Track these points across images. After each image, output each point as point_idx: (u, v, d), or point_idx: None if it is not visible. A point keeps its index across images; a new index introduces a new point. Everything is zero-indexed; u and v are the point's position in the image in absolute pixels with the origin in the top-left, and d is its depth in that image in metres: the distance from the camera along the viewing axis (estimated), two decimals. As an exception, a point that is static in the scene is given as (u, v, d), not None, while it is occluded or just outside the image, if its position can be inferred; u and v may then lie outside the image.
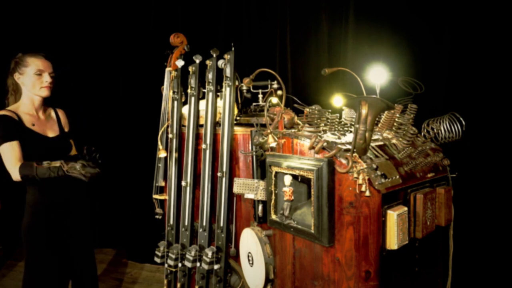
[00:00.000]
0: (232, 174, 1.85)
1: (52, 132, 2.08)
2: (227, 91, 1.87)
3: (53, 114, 2.17)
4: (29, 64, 1.98)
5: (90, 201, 2.22)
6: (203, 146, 1.91)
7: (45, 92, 2.02)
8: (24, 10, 3.76)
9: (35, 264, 1.99)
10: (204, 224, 1.91)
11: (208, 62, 1.94)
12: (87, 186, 2.18)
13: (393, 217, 1.37)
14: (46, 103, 2.14)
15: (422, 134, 1.76)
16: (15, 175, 1.87)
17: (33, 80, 1.98)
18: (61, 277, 2.06)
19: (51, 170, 1.85)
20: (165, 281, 2.17)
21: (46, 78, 2.00)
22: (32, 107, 2.04)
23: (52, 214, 2.00)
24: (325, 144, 1.42)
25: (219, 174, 1.84)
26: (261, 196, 1.67)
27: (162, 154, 2.09)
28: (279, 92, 1.99)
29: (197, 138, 2.00)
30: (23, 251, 2.01)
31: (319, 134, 1.56)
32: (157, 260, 2.10)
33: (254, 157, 1.72)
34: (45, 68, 2.01)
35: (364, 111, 1.27)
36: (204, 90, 1.98)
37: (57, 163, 1.87)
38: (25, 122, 1.98)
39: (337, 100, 1.96)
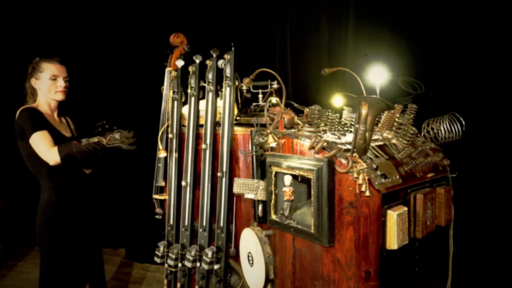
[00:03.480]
0: (232, 174, 1.85)
1: (66, 134, 2.13)
2: (227, 91, 1.87)
3: (63, 120, 2.22)
4: (44, 70, 2.02)
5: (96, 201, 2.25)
6: (203, 146, 1.91)
7: (60, 96, 2.07)
8: (24, 10, 3.76)
9: (51, 264, 2.01)
10: (204, 224, 1.91)
11: (208, 62, 1.94)
12: (97, 186, 2.21)
13: (393, 217, 1.37)
14: (60, 108, 2.18)
15: (422, 134, 1.76)
16: (54, 157, 1.88)
17: (48, 85, 2.03)
18: (75, 276, 2.09)
19: (90, 145, 1.87)
20: (165, 281, 2.17)
21: (61, 83, 2.05)
22: (48, 109, 2.09)
23: (66, 215, 2.03)
24: (325, 144, 1.42)
25: (219, 174, 1.84)
26: (261, 196, 1.67)
27: (162, 154, 2.09)
28: (275, 100, 1.99)
29: (197, 138, 2.00)
30: (39, 252, 2.04)
31: (319, 134, 1.56)
32: (157, 260, 2.10)
33: (254, 157, 1.72)
34: (59, 73, 2.05)
35: (364, 111, 1.27)
36: (204, 85, 1.98)
37: (94, 139, 1.89)
38: (46, 118, 2.03)
39: (337, 100, 1.96)
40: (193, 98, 2.01)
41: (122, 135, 1.88)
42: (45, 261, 2.03)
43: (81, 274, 2.17)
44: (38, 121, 1.95)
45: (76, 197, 2.08)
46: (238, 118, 1.99)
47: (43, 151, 1.90)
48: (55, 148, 1.89)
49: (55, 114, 2.12)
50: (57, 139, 2.00)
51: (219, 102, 1.93)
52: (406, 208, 1.43)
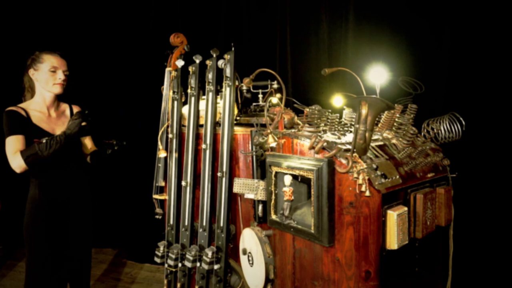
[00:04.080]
0: (232, 174, 1.85)
1: (62, 129, 2.06)
2: (227, 91, 1.87)
3: (67, 111, 2.19)
4: (44, 61, 2.01)
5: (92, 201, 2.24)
6: (203, 146, 1.91)
7: (57, 89, 2.05)
8: (24, 10, 3.76)
9: (35, 260, 2.00)
10: (204, 224, 1.91)
11: (208, 62, 1.94)
12: (90, 185, 2.21)
13: (393, 217, 1.37)
14: (60, 99, 2.17)
15: (422, 134, 1.76)
16: (18, 163, 1.86)
17: (46, 77, 2.02)
18: (60, 274, 2.07)
19: (50, 139, 1.86)
20: (165, 281, 2.17)
21: (60, 75, 2.04)
22: (43, 104, 2.07)
23: (52, 212, 2.01)
24: (325, 144, 1.42)
25: (219, 174, 1.84)
26: (261, 196, 1.67)
27: (162, 154, 2.09)
28: (279, 95, 1.99)
29: (197, 138, 2.00)
30: (25, 248, 2.02)
31: (319, 134, 1.56)
32: (157, 260, 2.10)
33: (254, 157, 1.72)
34: (59, 65, 2.04)
35: (364, 111, 1.27)
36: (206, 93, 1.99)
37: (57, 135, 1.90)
38: (34, 119, 2.00)
39: (337, 100, 1.96)
40: (193, 98, 2.01)
41: (75, 118, 1.93)
42: (29, 259, 2.01)
43: (66, 272, 2.14)
44: (15, 124, 1.92)
45: (65, 195, 2.06)
46: (238, 118, 1.99)
47: (9, 156, 1.88)
48: (18, 153, 1.86)
49: (52, 109, 2.09)
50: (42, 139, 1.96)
51: (219, 102, 1.93)
52: (406, 208, 1.43)
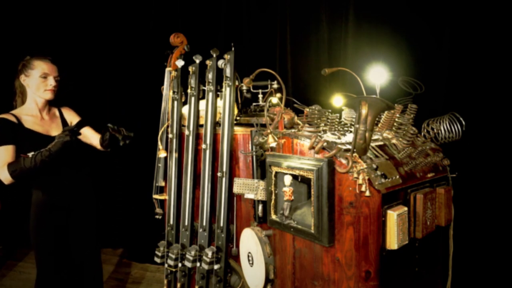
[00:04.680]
0: (232, 174, 1.85)
1: (57, 131, 2.09)
2: (227, 91, 1.87)
3: (57, 113, 2.19)
4: (35, 67, 2.01)
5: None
6: (203, 146, 1.91)
7: (48, 95, 2.05)
8: (23, 9, 3.76)
9: (44, 263, 2.02)
10: (204, 224, 1.91)
11: (208, 62, 1.94)
12: (93, 187, 2.21)
13: (393, 217, 1.37)
14: (51, 103, 2.16)
15: (422, 134, 1.76)
16: (5, 176, 1.85)
17: (37, 83, 2.01)
18: (64, 276, 2.09)
19: (36, 155, 1.84)
20: (165, 281, 2.17)
21: (51, 82, 2.04)
22: (36, 109, 2.07)
23: (56, 215, 2.02)
24: (325, 144, 1.42)
25: (219, 174, 1.84)
26: (261, 196, 1.67)
27: (162, 154, 2.10)
28: (279, 95, 1.99)
29: (197, 138, 2.01)
30: (33, 250, 2.04)
31: (319, 134, 1.56)
32: (157, 260, 2.10)
33: (254, 157, 1.72)
34: (50, 71, 2.04)
35: (364, 111, 1.27)
36: (204, 88, 1.98)
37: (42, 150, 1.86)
38: (26, 123, 2.00)
39: (337, 100, 1.96)
40: (193, 98, 2.01)
41: (60, 133, 1.88)
42: (38, 261, 2.03)
43: (77, 273, 2.15)
44: (4, 134, 1.90)
45: (68, 196, 2.07)
46: (238, 118, 1.99)
47: None
48: (5, 167, 1.85)
49: (45, 112, 2.10)
50: (38, 142, 1.95)
51: (219, 102, 1.93)
52: (406, 208, 1.43)
